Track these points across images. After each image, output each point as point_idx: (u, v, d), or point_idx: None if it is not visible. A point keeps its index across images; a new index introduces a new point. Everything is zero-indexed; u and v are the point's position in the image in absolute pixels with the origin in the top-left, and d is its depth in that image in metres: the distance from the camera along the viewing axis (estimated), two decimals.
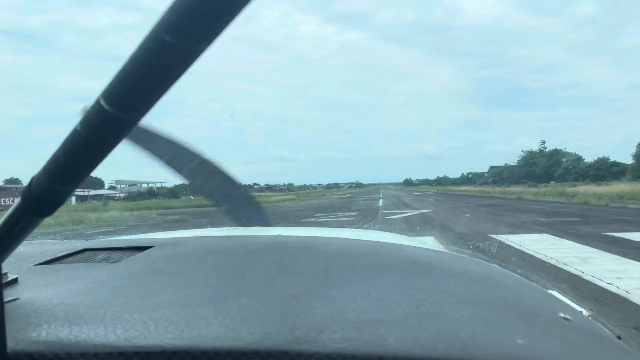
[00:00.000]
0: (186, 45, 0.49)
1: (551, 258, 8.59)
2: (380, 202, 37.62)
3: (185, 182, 2.15)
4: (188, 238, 1.33)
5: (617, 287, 6.24)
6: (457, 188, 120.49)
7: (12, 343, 0.56)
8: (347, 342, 0.54)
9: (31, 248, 1.18)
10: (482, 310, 0.66)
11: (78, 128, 0.56)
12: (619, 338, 0.75)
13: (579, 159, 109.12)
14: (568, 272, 7.39)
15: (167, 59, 0.51)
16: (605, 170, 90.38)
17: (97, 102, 0.54)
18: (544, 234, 12.30)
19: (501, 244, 10.69)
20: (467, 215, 21.02)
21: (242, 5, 0.48)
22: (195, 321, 0.60)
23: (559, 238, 11.47)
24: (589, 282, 6.69)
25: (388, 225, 16.68)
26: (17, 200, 0.63)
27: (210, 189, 2.17)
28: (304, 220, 21.43)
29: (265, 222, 2.18)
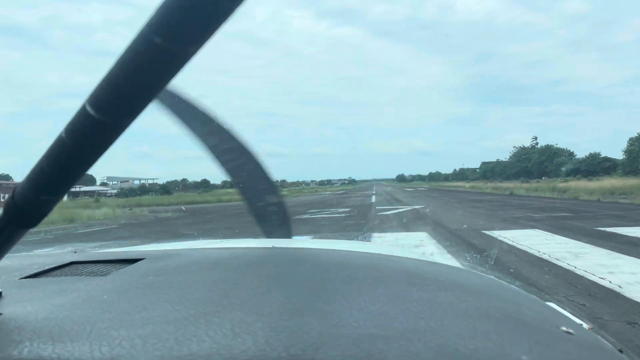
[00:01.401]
0: (177, 48, 0.48)
1: (544, 253, 8.62)
2: (374, 199, 37.65)
3: (226, 175, 2.02)
4: (179, 250, 1.31)
5: (610, 282, 6.27)
6: (449, 184, 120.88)
7: None
8: (345, 359, 0.52)
9: (17, 261, 1.15)
10: (482, 324, 0.65)
11: (63, 135, 0.54)
12: (621, 351, 0.74)
13: (570, 154, 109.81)
14: (560, 267, 7.42)
15: (157, 62, 0.49)
16: (596, 166, 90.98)
17: (83, 108, 0.52)
18: (536, 230, 12.36)
19: (493, 240, 10.73)
20: (460, 211, 21.09)
21: (235, 5, 0.46)
22: (186, 338, 0.58)
23: (551, 234, 11.52)
24: (582, 277, 6.71)
25: (381, 222, 16.70)
26: None
27: (249, 190, 2.05)
28: (297, 217, 21.41)
29: (288, 237, 2.08)
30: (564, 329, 0.71)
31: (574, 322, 0.83)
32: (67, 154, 0.55)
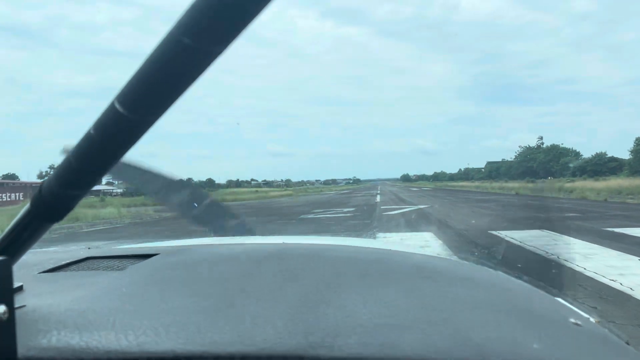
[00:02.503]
0: (204, 47, 0.50)
1: (552, 254, 8.49)
2: (378, 198, 37.53)
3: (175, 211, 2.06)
4: (192, 246, 1.32)
5: (621, 284, 6.14)
6: (454, 184, 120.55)
7: (22, 350, 0.55)
8: (363, 346, 0.53)
9: (33, 257, 1.17)
10: (493, 315, 0.67)
11: (92, 132, 0.57)
12: (627, 344, 0.75)
13: (576, 154, 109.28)
14: (570, 269, 7.29)
15: (184, 61, 0.51)
16: (602, 166, 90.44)
17: (112, 106, 0.54)
18: (543, 230, 12.20)
19: (500, 240, 10.60)
20: (465, 211, 20.94)
21: (262, 6, 0.48)
22: (207, 327, 0.59)
23: (559, 234, 11.38)
24: (592, 278, 6.59)
25: (386, 222, 16.58)
26: (27, 206, 0.64)
27: (181, 203, 2.06)
28: (302, 216, 21.32)
29: (247, 231, 2.08)
30: (573, 320, 0.72)
31: (581, 315, 0.83)
32: (95, 149, 0.57)
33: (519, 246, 9.70)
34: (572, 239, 10.50)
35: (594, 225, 13.12)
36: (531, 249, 9.26)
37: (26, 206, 0.64)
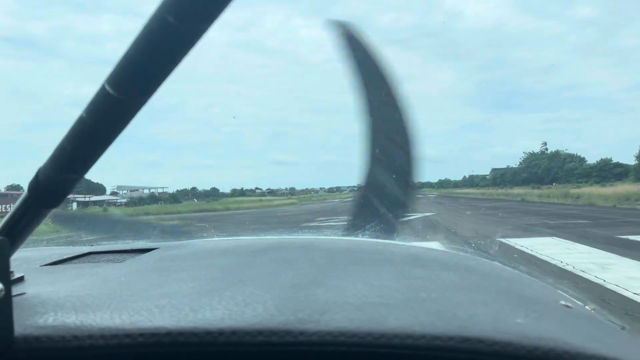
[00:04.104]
0: (189, 26, 0.51)
1: (567, 264, 8.05)
2: None
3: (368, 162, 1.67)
4: (191, 241, 1.35)
5: None
6: (459, 190, 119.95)
7: (19, 328, 0.56)
8: (349, 321, 0.55)
9: (37, 253, 1.20)
10: (482, 296, 0.68)
11: (84, 115, 0.58)
12: (623, 329, 0.74)
13: (581, 160, 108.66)
14: (588, 281, 6.85)
15: (170, 40, 0.52)
16: (608, 172, 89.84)
17: (102, 88, 0.56)
18: (554, 238, 11.74)
19: (511, 249, 10.16)
20: (472, 218, 20.48)
21: None
22: (200, 307, 0.60)
23: (571, 242, 10.93)
24: (614, 292, 6.14)
25: None
26: (24, 192, 0.64)
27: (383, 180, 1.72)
28: (304, 224, 20.90)
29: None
30: (563, 302, 0.73)
31: (575, 302, 0.82)
32: (88, 132, 0.59)
33: (531, 255, 9.25)
34: (586, 247, 10.05)
35: (607, 232, 12.67)
36: (544, 258, 8.82)
37: (24, 193, 0.64)
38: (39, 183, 0.62)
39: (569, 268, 7.75)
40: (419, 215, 22.95)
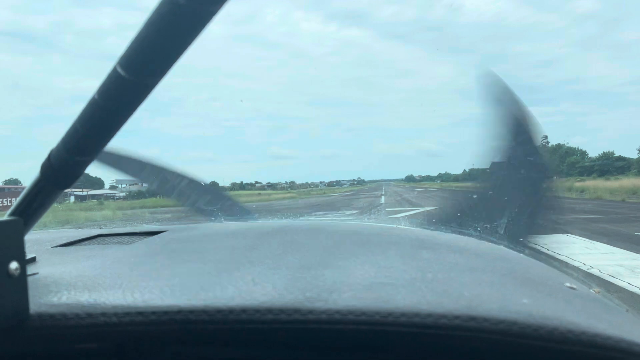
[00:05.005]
0: (200, 7, 0.52)
1: (591, 267, 7.19)
2: (383, 200, 36.16)
3: (175, 200, 2.12)
4: (198, 225, 1.37)
5: None
6: (460, 184, 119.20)
7: (34, 306, 0.58)
8: (357, 300, 0.55)
9: (47, 235, 1.23)
10: (487, 277, 0.68)
11: (96, 97, 0.59)
12: (627, 311, 0.73)
13: (583, 153, 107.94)
14: (621, 289, 5.98)
15: (181, 22, 0.53)
16: (610, 165, 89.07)
17: (114, 70, 0.56)
18: (569, 235, 10.86)
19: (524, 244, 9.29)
20: None
21: None
22: (210, 286, 0.62)
23: (588, 240, 10.07)
24: None
25: None
26: (37, 174, 0.66)
27: (185, 195, 2.08)
28: (301, 218, 20.05)
29: (247, 213, 2.10)
30: (568, 284, 0.74)
31: (579, 284, 0.82)
32: (100, 114, 0.59)
33: (549, 255, 8.39)
34: (606, 246, 9.19)
35: (623, 229, 11.81)
36: (563, 258, 7.95)
37: (36, 174, 0.65)
38: (51, 165, 0.63)
39: (595, 272, 6.90)
40: (421, 209, 22.08)
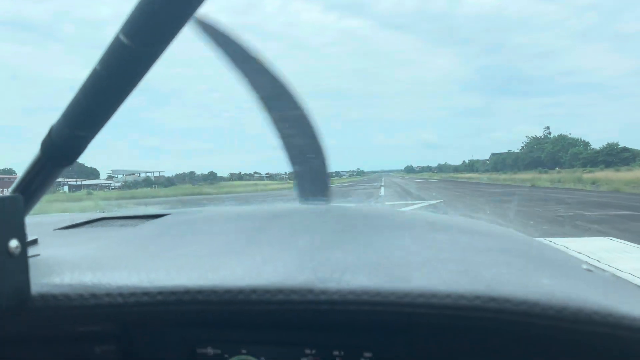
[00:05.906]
0: None
1: None
2: (382, 191, 34.07)
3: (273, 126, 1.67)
4: (203, 208, 1.32)
5: None
6: (460, 175, 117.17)
7: (36, 287, 0.56)
8: (371, 280, 0.54)
9: (49, 218, 1.21)
10: (504, 257, 0.66)
11: (98, 68, 0.56)
12: None
13: (586, 144, 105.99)
14: None
15: None
16: (615, 156, 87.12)
17: (117, 38, 0.54)
18: (613, 240, 8.77)
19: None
20: (487, 208, 17.52)
21: None
22: (218, 266, 0.60)
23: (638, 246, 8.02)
24: None
25: None
26: (37, 152, 0.63)
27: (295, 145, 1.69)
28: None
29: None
30: (585, 267, 0.72)
31: (596, 267, 0.77)
32: (103, 85, 0.57)
33: (598, 267, 6.32)
34: None
35: None
36: (626, 276, 5.90)
37: (37, 152, 0.63)
38: (52, 141, 0.60)
39: None
40: (423, 203, 19.98)
